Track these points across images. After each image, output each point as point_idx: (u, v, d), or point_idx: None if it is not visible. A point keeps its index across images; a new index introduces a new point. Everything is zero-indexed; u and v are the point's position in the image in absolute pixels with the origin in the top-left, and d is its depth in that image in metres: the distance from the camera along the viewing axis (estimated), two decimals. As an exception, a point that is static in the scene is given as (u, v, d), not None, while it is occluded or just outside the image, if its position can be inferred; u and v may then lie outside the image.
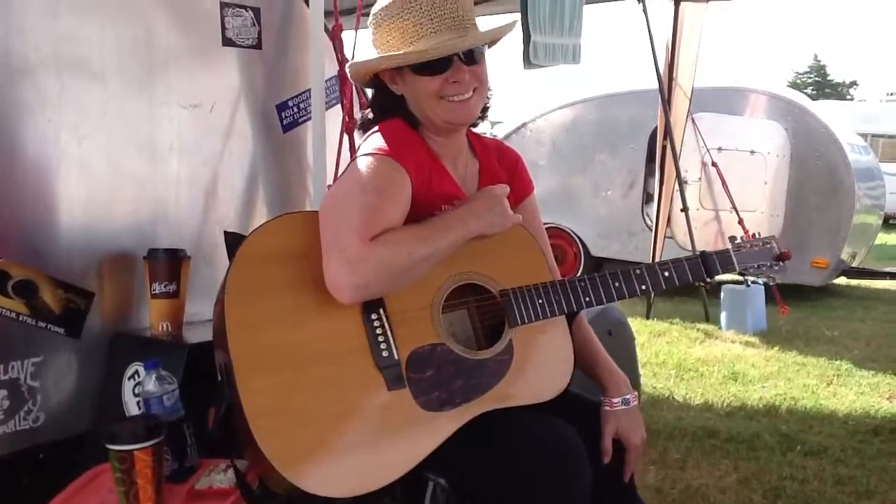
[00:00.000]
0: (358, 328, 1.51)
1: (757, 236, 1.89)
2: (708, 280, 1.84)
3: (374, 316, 1.52)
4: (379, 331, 1.52)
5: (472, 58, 1.64)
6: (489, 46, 1.73)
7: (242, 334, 1.43)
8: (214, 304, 1.53)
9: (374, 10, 1.69)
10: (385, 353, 1.51)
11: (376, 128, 1.68)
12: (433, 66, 1.61)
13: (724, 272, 1.83)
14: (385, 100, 1.73)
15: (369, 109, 1.79)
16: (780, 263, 1.87)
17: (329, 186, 2.74)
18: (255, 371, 1.42)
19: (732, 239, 1.88)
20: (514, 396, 1.60)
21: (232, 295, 1.45)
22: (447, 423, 1.52)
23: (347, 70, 1.74)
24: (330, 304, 1.48)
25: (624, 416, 1.73)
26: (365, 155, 1.59)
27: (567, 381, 1.69)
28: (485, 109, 1.80)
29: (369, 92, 1.84)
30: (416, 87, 1.65)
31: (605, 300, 1.72)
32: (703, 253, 1.83)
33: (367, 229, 1.44)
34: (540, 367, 1.66)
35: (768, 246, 1.88)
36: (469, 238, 1.56)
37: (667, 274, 1.76)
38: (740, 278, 1.94)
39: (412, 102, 1.69)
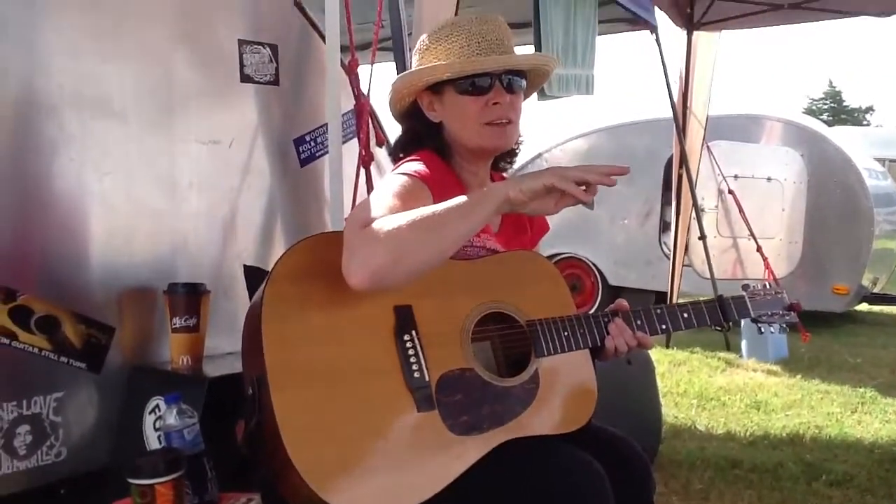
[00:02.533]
0: (390, 348, 1.52)
1: (769, 286, 1.99)
2: (724, 325, 1.91)
3: (406, 337, 1.53)
4: (411, 352, 1.52)
5: (511, 87, 1.72)
6: (526, 96, 1.81)
7: (278, 348, 1.44)
8: (246, 319, 1.54)
9: (421, 37, 1.78)
10: (416, 375, 1.51)
11: (410, 157, 1.73)
12: (476, 87, 1.69)
13: (739, 318, 1.91)
14: (420, 127, 1.78)
15: (402, 136, 1.84)
16: (791, 313, 1.97)
17: (346, 219, 2.76)
18: (288, 385, 1.42)
19: (745, 287, 1.96)
20: (539, 425, 1.61)
21: (268, 308, 1.45)
22: (474, 448, 1.52)
23: (394, 86, 1.78)
24: (363, 322, 1.50)
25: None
26: (395, 174, 1.64)
27: (590, 414, 1.70)
28: (513, 154, 1.87)
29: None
30: (456, 108, 1.71)
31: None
32: (720, 298, 1.89)
33: (371, 220, 1.42)
34: (564, 398, 1.68)
35: (780, 296, 1.98)
36: (491, 212, 1.48)
37: (686, 315, 1.83)
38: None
39: (449, 126, 1.74)
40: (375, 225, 1.40)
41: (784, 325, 1.98)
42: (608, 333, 1.73)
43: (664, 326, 1.80)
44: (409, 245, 1.39)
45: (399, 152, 1.82)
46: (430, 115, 1.76)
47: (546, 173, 1.51)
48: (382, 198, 1.52)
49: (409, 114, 1.81)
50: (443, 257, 1.45)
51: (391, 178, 1.63)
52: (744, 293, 1.94)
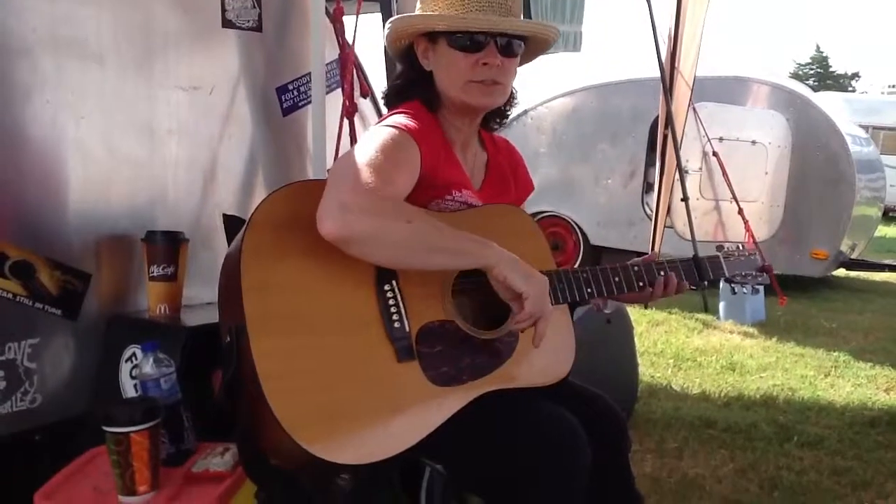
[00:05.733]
0: (370, 298, 1.51)
1: (741, 247, 2.02)
2: (700, 283, 1.93)
3: (386, 287, 1.53)
4: (392, 302, 1.52)
5: (508, 49, 1.68)
6: (525, 61, 1.78)
7: (257, 296, 1.42)
8: (223, 267, 1.52)
9: None
10: (397, 325, 1.51)
11: (397, 108, 1.72)
12: (469, 44, 1.65)
13: (714, 277, 1.93)
14: (412, 74, 1.76)
15: (395, 79, 1.82)
16: (763, 274, 2.01)
17: (328, 170, 2.73)
18: (267, 333, 1.41)
19: (720, 248, 1.99)
20: (518, 377, 1.62)
21: (247, 256, 1.43)
22: (454, 399, 1.53)
23: (387, 28, 1.75)
24: (343, 272, 1.48)
25: None
26: (383, 126, 1.62)
27: (569, 367, 1.71)
28: (503, 115, 1.86)
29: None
30: (447, 61, 1.69)
31: (605, 293, 1.77)
32: (696, 257, 1.92)
33: (368, 182, 1.43)
34: (544, 351, 1.67)
35: (753, 257, 2.01)
36: (474, 265, 1.51)
37: (662, 274, 1.83)
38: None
39: (438, 77, 1.72)
40: (381, 203, 1.41)
41: (756, 287, 2.01)
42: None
43: (641, 284, 1.81)
44: (393, 240, 1.43)
45: (391, 97, 1.81)
46: (423, 62, 1.73)
47: (532, 288, 1.50)
48: (369, 151, 1.51)
49: (405, 56, 1.78)
50: (406, 268, 1.52)
51: (379, 129, 1.60)
52: (718, 253, 1.96)
